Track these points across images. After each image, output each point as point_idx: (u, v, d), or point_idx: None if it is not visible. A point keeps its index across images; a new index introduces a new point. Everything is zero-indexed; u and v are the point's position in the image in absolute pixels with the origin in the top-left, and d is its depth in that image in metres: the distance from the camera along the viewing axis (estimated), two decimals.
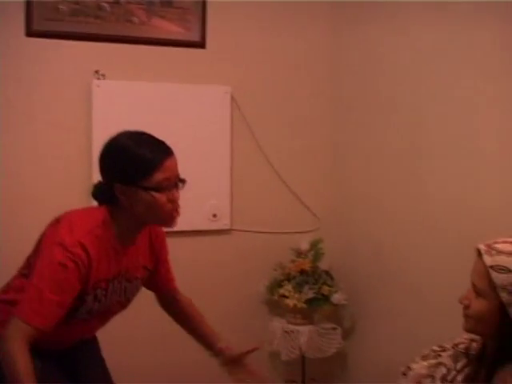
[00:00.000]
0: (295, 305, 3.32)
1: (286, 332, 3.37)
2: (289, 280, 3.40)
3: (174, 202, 2.09)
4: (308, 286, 3.33)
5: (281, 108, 3.59)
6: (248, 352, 2.39)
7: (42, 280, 1.97)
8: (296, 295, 3.33)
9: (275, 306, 3.56)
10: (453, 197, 2.79)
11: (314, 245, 3.47)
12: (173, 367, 3.43)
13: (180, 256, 3.38)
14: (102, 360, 2.46)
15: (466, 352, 1.92)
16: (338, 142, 3.64)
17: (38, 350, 1.97)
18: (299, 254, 3.47)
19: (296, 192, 3.61)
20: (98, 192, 2.16)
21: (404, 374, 2.00)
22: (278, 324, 3.43)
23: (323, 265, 3.47)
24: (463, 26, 2.71)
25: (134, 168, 2.03)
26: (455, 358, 1.93)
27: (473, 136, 2.69)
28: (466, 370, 1.88)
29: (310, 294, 3.32)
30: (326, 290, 3.36)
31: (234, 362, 2.40)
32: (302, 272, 3.39)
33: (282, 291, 3.38)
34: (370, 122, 3.36)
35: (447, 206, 2.82)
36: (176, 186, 2.10)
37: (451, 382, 1.88)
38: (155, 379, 3.38)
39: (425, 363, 1.98)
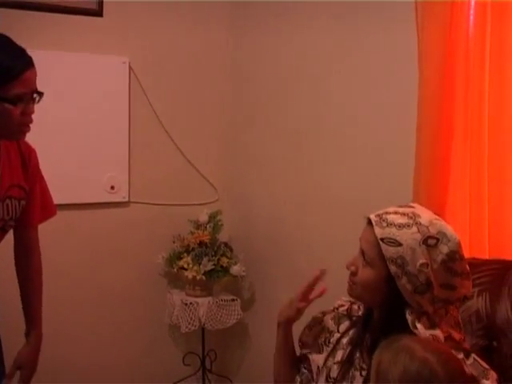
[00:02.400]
0: (194, 277, 3.32)
1: (185, 304, 3.37)
2: (188, 252, 3.39)
3: (28, 115, 1.97)
4: (207, 258, 3.33)
5: (179, 79, 3.55)
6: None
7: None
8: (195, 267, 3.32)
9: (174, 278, 3.55)
10: (351, 165, 2.85)
11: (213, 217, 3.48)
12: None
13: (77, 229, 3.36)
14: None
15: (348, 314, 1.95)
16: (236, 113, 3.64)
17: None
18: (198, 225, 3.46)
19: (194, 164, 3.59)
20: None
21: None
22: (177, 296, 3.42)
23: (222, 236, 3.48)
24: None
25: None
26: (337, 320, 1.96)
27: (367, 115, 2.77)
28: (351, 334, 1.91)
29: (209, 266, 3.32)
30: (224, 261, 3.37)
31: None
32: (201, 244, 3.38)
33: (180, 263, 3.37)
34: (268, 95, 3.38)
35: (345, 174, 2.88)
36: (33, 100, 1.97)
37: (336, 344, 1.92)
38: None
39: (310, 332, 2.02)
